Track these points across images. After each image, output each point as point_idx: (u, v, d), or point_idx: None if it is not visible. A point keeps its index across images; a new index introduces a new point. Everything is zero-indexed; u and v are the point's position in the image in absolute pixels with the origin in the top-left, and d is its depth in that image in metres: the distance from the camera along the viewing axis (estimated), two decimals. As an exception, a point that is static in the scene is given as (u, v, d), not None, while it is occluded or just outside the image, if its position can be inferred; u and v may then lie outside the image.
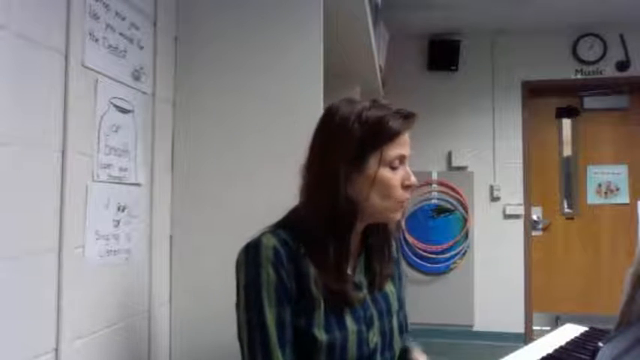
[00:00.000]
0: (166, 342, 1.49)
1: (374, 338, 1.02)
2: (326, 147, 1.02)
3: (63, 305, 1.03)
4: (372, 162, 0.99)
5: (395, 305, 1.09)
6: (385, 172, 0.99)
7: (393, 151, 0.99)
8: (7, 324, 0.91)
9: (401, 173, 1.01)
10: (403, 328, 1.12)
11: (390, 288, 1.10)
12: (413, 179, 1.01)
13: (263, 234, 0.99)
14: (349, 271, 1.04)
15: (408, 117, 1.02)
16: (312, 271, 0.97)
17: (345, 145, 0.99)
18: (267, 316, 0.93)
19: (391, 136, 0.99)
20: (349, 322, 0.98)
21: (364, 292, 1.04)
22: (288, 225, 1.02)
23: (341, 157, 0.99)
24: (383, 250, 1.09)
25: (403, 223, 3.68)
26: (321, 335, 0.95)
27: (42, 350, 1.00)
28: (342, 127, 1.00)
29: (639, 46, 3.62)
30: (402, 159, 1.01)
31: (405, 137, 1.02)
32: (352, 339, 0.98)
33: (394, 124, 1.00)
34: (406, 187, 1.01)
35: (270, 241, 0.97)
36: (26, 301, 0.96)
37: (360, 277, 1.05)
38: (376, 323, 1.03)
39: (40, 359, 0.99)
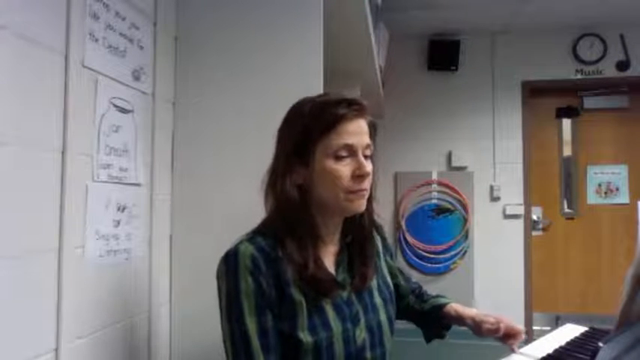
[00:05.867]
0: (166, 342, 1.49)
1: (361, 335, 1.01)
2: (276, 144, 1.04)
3: (63, 305, 1.03)
4: (316, 153, 0.97)
5: (379, 300, 1.08)
6: (328, 164, 0.97)
7: (336, 140, 0.96)
8: (7, 324, 0.91)
9: (350, 163, 0.97)
10: (393, 323, 1.11)
11: (372, 283, 1.09)
12: (366, 169, 0.97)
13: (241, 242, 0.99)
14: (332, 271, 1.03)
15: (351, 104, 0.98)
16: (290, 274, 0.96)
17: (287, 138, 1.01)
18: (249, 326, 0.93)
19: (330, 124, 0.96)
20: (333, 321, 0.98)
21: (348, 290, 1.03)
22: (263, 230, 1.02)
23: (283, 151, 1.01)
24: (363, 248, 1.08)
25: (403, 224, 3.68)
26: (306, 337, 0.95)
27: (42, 350, 1.00)
28: (288, 121, 1.03)
29: (639, 46, 3.62)
30: (349, 148, 0.97)
31: (354, 126, 0.98)
32: (338, 338, 0.97)
33: (334, 111, 0.96)
34: (358, 177, 0.97)
35: (248, 250, 0.96)
36: (26, 301, 0.96)
37: (344, 276, 1.05)
38: (362, 319, 1.02)
39: (40, 359, 0.99)
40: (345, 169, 0.97)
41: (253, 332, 0.93)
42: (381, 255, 1.18)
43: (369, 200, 1.05)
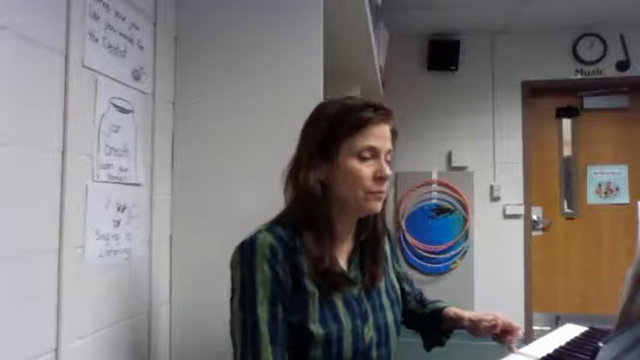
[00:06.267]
0: (166, 342, 1.49)
1: (369, 333, 1.03)
2: (300, 140, 1.07)
3: (63, 305, 1.04)
4: (340, 152, 1.01)
5: (387, 302, 1.11)
6: (352, 163, 1.00)
7: (361, 141, 1.00)
8: (7, 324, 0.91)
9: (373, 165, 1.01)
10: (399, 325, 1.13)
11: (381, 284, 1.12)
12: (386, 172, 1.01)
13: (259, 231, 1.00)
14: (344, 267, 1.06)
15: (377, 109, 1.02)
16: (305, 265, 0.99)
17: (313, 135, 1.04)
18: (260, 315, 0.94)
19: (356, 126, 1.00)
20: (344, 316, 1.00)
21: (358, 287, 1.06)
22: (282, 221, 1.04)
23: (308, 147, 1.04)
24: (375, 248, 1.10)
25: (403, 224, 3.68)
26: (317, 329, 0.96)
27: (42, 350, 1.00)
28: (314, 120, 1.06)
29: (639, 46, 3.61)
30: (372, 151, 1.01)
31: (379, 130, 1.02)
32: (347, 333, 0.99)
33: (361, 114, 1.01)
34: (379, 179, 1.01)
35: (267, 239, 0.98)
36: (26, 301, 0.96)
37: (355, 273, 1.07)
38: (370, 318, 1.05)
39: (40, 359, 0.99)
40: (367, 169, 1.01)
41: (264, 322, 0.94)
42: (389, 259, 1.20)
43: (383, 203, 1.08)
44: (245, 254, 0.98)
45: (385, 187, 1.03)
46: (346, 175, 1.01)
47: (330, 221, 1.03)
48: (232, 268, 1.00)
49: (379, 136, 1.02)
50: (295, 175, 1.04)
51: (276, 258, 0.96)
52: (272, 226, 1.02)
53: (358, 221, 1.10)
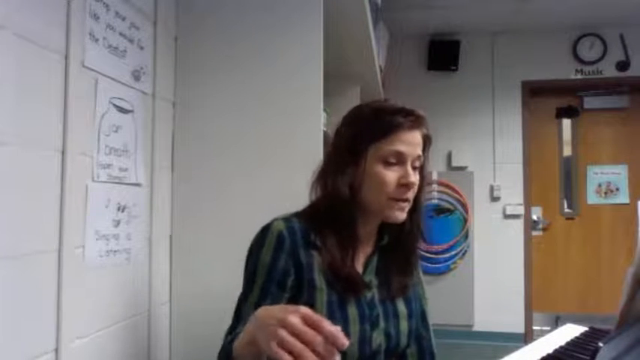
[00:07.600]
0: (166, 342, 1.49)
1: (378, 338, 1.01)
2: (332, 141, 1.07)
3: (63, 305, 1.04)
4: (367, 156, 1.00)
5: (403, 310, 1.08)
6: (377, 167, 0.99)
7: (388, 146, 0.98)
8: (7, 324, 0.91)
9: (398, 171, 0.99)
10: (412, 338, 1.10)
11: (401, 306, 1.08)
12: (411, 179, 0.98)
13: (276, 219, 1.01)
14: (360, 269, 1.04)
15: (408, 115, 1.00)
16: (316, 260, 0.98)
17: (344, 137, 1.03)
18: (252, 293, 0.97)
19: (385, 131, 0.99)
20: (352, 318, 0.99)
21: (372, 292, 1.04)
22: (304, 215, 1.04)
23: (338, 149, 1.03)
24: (397, 255, 1.08)
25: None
26: None
27: (42, 350, 1.00)
28: (347, 122, 1.05)
29: (639, 46, 3.62)
30: (399, 156, 0.98)
31: (408, 136, 0.99)
32: (354, 336, 0.97)
33: (390, 119, 0.99)
34: (402, 185, 0.98)
35: (278, 226, 0.99)
36: (26, 301, 0.96)
37: (371, 277, 1.06)
38: (382, 324, 1.02)
39: (40, 359, 0.99)
40: (392, 175, 0.99)
41: (252, 301, 0.96)
42: (423, 295, 1.17)
43: (416, 211, 1.06)
44: (258, 237, 1.00)
45: (410, 194, 1.00)
46: (371, 180, 0.99)
47: (353, 225, 1.02)
48: (250, 246, 1.02)
49: (408, 141, 0.99)
50: (324, 176, 1.03)
51: (281, 247, 0.97)
52: (290, 217, 1.02)
53: (380, 225, 1.08)
